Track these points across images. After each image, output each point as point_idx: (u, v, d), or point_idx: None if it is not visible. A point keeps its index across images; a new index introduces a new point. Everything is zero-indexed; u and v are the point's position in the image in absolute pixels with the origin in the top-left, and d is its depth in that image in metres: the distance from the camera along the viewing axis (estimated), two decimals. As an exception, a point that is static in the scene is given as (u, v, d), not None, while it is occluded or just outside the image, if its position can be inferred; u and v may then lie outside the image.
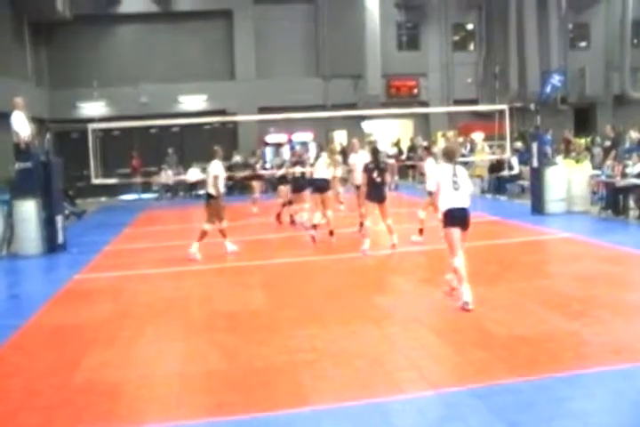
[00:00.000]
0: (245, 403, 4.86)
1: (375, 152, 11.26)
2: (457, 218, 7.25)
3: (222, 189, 11.12)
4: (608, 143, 17.60)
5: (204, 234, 10.97)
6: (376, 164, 10.85)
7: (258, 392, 5.04)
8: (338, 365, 5.54)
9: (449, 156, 7.67)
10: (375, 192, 10.68)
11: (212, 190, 11.07)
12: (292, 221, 14.35)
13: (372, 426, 4.44)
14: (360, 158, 12.46)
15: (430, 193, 10.51)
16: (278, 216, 14.75)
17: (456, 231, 7.26)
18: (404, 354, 5.77)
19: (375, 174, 10.64)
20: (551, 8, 28.23)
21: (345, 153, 19.13)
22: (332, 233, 11.83)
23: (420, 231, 11.34)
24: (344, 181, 16.03)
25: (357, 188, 12.24)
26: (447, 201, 7.30)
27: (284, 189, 14.64)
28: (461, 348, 5.82)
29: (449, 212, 7.28)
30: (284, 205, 14.63)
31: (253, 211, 16.94)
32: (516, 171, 18.28)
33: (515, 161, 18.28)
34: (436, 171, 8.19)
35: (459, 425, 4.36)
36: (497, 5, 28.32)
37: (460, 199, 7.29)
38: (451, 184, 7.32)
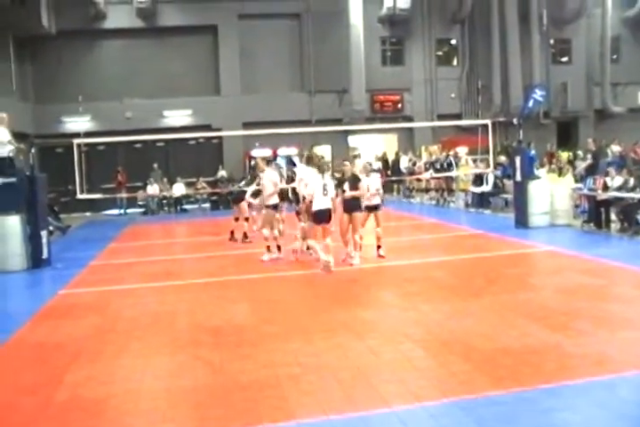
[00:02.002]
0: (230, 417, 4.85)
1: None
2: (323, 215, 10.22)
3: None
4: (589, 157, 17.81)
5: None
6: (344, 177, 11.15)
7: (243, 406, 5.04)
8: (322, 378, 5.55)
9: (320, 169, 10.52)
10: (348, 204, 10.88)
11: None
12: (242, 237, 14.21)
13: (356, 439, 4.45)
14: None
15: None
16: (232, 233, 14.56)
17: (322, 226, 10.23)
18: (388, 367, 5.79)
19: (346, 187, 10.90)
20: (533, 24, 28.64)
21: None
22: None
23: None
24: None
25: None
26: (317, 203, 10.21)
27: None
28: (445, 360, 5.85)
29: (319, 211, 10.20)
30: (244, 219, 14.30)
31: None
32: (489, 187, 18.39)
33: (491, 177, 18.41)
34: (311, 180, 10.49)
35: (443, 438, 4.39)
36: (480, 21, 28.69)
37: (327, 202, 10.25)
38: (321, 190, 10.19)
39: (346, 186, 10.87)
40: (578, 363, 5.65)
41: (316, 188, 10.28)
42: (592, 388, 5.08)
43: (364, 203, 11.32)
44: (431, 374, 5.56)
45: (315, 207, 10.29)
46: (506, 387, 5.11)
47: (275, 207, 11.79)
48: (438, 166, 21.42)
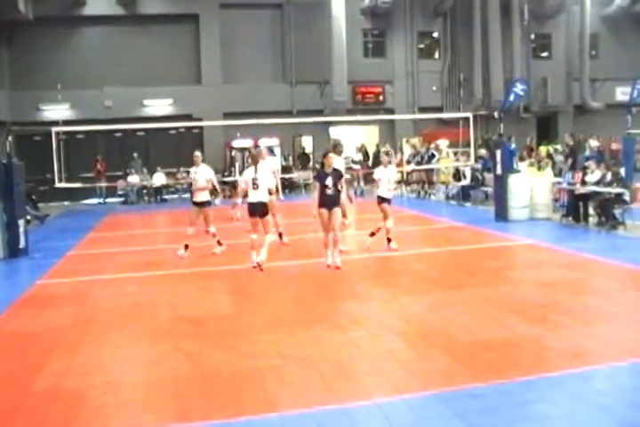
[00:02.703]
0: (212, 409, 4.85)
1: (325, 162, 10.17)
2: (253, 207, 10.06)
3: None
4: (567, 151, 17.94)
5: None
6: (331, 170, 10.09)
7: (224, 398, 5.04)
8: (304, 370, 5.57)
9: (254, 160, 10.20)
10: (325, 199, 9.98)
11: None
12: None
13: (337, 431, 4.47)
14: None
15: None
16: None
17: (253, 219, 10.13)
18: (369, 359, 5.82)
19: (328, 181, 9.94)
20: (514, 18, 28.81)
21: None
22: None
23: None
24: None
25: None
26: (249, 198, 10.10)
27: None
28: (426, 353, 5.89)
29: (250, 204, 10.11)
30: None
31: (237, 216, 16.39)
32: (467, 181, 18.51)
33: (468, 171, 18.51)
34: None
35: (423, 429, 4.43)
36: (462, 14, 28.76)
37: (257, 196, 9.99)
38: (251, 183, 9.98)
39: (329, 180, 9.91)
40: (556, 356, 5.72)
41: (248, 181, 10.07)
42: (569, 380, 5.14)
43: (382, 194, 11.22)
44: (412, 366, 5.59)
45: (248, 200, 10.17)
46: (485, 379, 5.16)
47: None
48: (419, 159, 21.52)
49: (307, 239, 12.55)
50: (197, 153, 12.06)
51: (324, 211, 9.93)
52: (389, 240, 11.25)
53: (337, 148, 11.33)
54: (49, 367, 5.92)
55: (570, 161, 17.34)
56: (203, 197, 11.57)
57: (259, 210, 10.05)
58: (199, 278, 9.85)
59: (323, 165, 10.24)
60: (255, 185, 9.97)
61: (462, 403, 4.76)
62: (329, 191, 9.94)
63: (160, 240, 14.37)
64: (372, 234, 11.43)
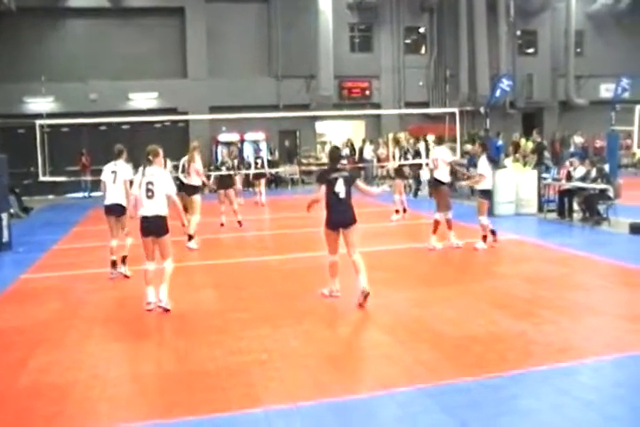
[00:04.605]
0: (197, 404, 4.83)
1: (335, 154, 7.93)
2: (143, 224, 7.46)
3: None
4: (529, 147, 17.92)
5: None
6: (340, 171, 7.61)
7: (210, 393, 5.02)
8: (290, 365, 5.56)
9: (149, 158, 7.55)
10: (336, 215, 7.47)
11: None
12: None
13: (324, 426, 4.47)
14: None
15: (485, 192, 10.99)
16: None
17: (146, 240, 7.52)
18: (355, 354, 5.82)
19: (338, 188, 7.42)
20: (500, 14, 28.86)
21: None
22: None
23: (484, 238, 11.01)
24: None
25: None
26: (141, 210, 7.46)
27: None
28: (413, 347, 5.90)
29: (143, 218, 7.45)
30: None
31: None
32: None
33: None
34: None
35: (410, 424, 4.43)
36: (448, 10, 28.76)
37: (153, 208, 7.41)
38: (144, 192, 7.40)
39: (339, 186, 7.40)
40: (541, 350, 5.75)
41: (140, 189, 7.44)
42: (554, 375, 5.17)
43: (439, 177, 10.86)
44: (399, 361, 5.59)
45: (140, 213, 7.51)
46: (472, 374, 5.17)
47: None
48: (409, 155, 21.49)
49: (292, 234, 12.53)
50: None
51: (333, 232, 7.51)
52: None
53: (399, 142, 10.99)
54: (33, 363, 5.87)
55: (534, 157, 17.42)
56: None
57: (155, 227, 7.40)
58: (182, 273, 9.73)
59: (333, 157, 7.83)
60: (150, 192, 7.35)
61: (449, 397, 4.77)
62: (340, 202, 7.42)
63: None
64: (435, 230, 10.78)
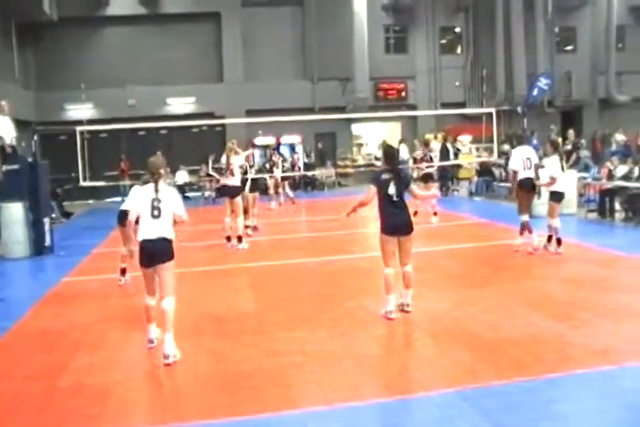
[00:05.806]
0: (234, 406, 4.86)
1: (391, 154, 7.26)
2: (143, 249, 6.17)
3: None
4: (569, 147, 17.54)
5: None
6: (394, 172, 7.00)
7: (246, 395, 5.04)
8: (326, 367, 5.56)
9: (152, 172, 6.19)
10: (392, 219, 6.98)
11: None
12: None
13: (360, 428, 4.46)
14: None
15: (556, 195, 10.40)
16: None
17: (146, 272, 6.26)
18: (392, 356, 5.79)
19: (391, 190, 6.92)
20: (538, 11, 28.41)
21: None
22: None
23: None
24: None
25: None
26: (142, 232, 6.12)
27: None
28: (450, 349, 5.84)
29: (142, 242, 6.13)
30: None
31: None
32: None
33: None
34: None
35: (446, 427, 4.39)
36: (484, 9, 28.46)
37: (158, 229, 6.07)
38: (149, 211, 6.08)
39: (392, 189, 6.91)
40: (581, 353, 5.64)
41: (142, 206, 6.16)
42: (594, 379, 5.07)
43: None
44: (436, 363, 5.55)
45: (142, 236, 6.14)
46: (509, 377, 5.11)
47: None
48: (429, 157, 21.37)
49: (329, 236, 12.53)
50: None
51: (391, 238, 7.00)
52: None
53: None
54: (75, 364, 5.98)
55: (574, 157, 17.03)
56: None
57: (159, 252, 6.06)
58: (220, 276, 9.87)
59: (388, 156, 7.19)
60: (156, 211, 6.08)
61: (486, 401, 4.71)
62: (394, 205, 6.92)
63: (182, 238, 14.37)
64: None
